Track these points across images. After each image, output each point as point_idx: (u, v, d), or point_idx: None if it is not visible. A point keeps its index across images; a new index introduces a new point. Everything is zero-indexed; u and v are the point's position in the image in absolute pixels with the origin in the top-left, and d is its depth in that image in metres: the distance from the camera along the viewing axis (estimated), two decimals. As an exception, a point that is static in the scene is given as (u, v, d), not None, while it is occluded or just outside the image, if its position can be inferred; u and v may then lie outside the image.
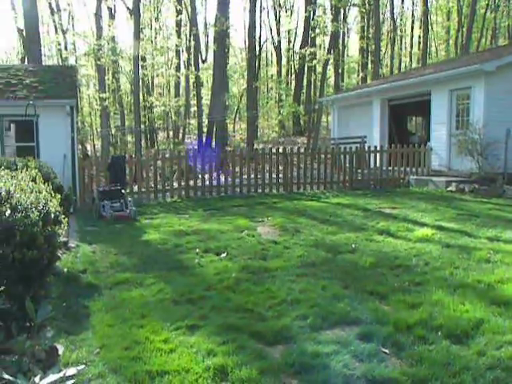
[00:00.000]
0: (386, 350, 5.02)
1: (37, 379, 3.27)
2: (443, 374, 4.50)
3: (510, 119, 16.07)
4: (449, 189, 15.91)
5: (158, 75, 45.27)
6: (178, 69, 45.13)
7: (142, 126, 34.91)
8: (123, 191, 13.67)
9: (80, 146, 31.40)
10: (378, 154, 18.25)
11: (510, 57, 16.87)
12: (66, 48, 44.58)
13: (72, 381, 3.41)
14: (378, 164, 18.14)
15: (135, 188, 15.85)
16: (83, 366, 4.25)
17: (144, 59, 37.77)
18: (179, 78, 44.45)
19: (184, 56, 46.23)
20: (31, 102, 14.27)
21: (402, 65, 52.93)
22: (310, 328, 5.60)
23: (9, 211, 4.54)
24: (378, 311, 6.02)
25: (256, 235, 10.24)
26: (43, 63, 29.38)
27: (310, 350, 4.99)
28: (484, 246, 8.93)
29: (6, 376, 3.28)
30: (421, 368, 4.60)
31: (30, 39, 25.15)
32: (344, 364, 4.70)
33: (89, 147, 40.99)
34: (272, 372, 4.57)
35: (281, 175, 17.24)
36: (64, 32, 44.64)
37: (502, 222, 10.90)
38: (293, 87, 48.67)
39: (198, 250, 9.06)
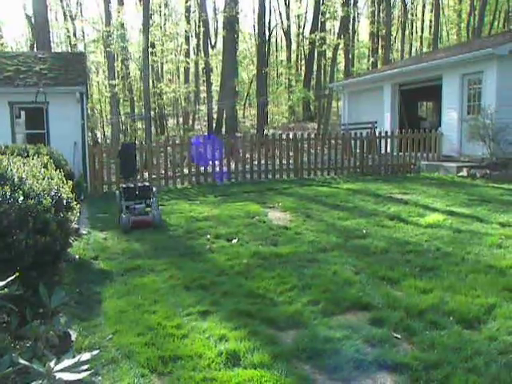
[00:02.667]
0: (398, 335, 5.03)
1: (52, 364, 3.29)
2: (455, 358, 4.50)
3: (523, 104, 15.95)
4: (460, 174, 15.83)
5: (167, 61, 45.15)
6: (187, 55, 45.02)
7: (152, 113, 34.91)
8: (154, 189, 10.93)
9: (90, 133, 31.49)
10: (388, 140, 18.17)
11: (523, 40, 16.72)
12: (74, 35, 44.57)
13: (86, 366, 3.43)
14: (388, 149, 18.07)
15: (146, 175, 15.87)
16: (97, 351, 4.28)
17: (153, 45, 37.68)
18: (188, 64, 44.31)
19: (193, 42, 46.14)
20: (41, 89, 14.30)
21: (413, 49, 52.53)
22: (322, 313, 5.61)
23: (21, 197, 4.55)
24: (390, 296, 6.02)
25: (267, 221, 10.25)
26: (52, 50, 29.40)
27: (321, 335, 5.00)
28: (495, 231, 8.90)
29: (22, 361, 3.31)
30: (432, 353, 4.61)
31: (39, 26, 25.18)
32: (356, 349, 4.71)
33: (99, 134, 41.07)
34: (284, 357, 4.58)
35: (291, 161, 17.22)
36: (73, 18, 44.64)
37: (514, 208, 10.84)
38: (303, 73, 48.46)
39: (209, 236, 9.09)
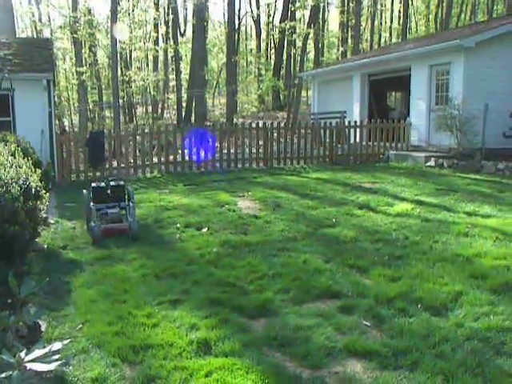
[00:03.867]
0: (367, 323, 5.09)
1: (22, 354, 3.26)
2: (423, 345, 4.58)
3: (489, 95, 16.16)
4: (428, 164, 16.03)
5: (136, 49, 44.67)
6: (156, 43, 44.63)
7: (121, 101, 34.58)
8: (129, 188, 9.34)
9: (57, 122, 31.03)
10: (357, 129, 18.30)
11: (490, 33, 16.91)
12: (40, 20, 43.76)
13: (57, 355, 3.41)
14: (357, 139, 18.19)
15: (114, 164, 15.73)
16: (68, 341, 4.25)
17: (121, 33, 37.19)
18: (157, 51, 43.94)
19: (162, 29, 45.70)
20: (6, 75, 14.01)
21: (382, 40, 52.86)
22: (292, 301, 5.65)
23: (-12, 186, 4.48)
24: (359, 284, 6.09)
25: (237, 210, 10.25)
26: (16, 36, 28.79)
27: (292, 323, 5.04)
28: (462, 220, 9.04)
29: (-9, 351, 3.27)
30: (401, 340, 4.67)
31: (2, 8, 24.58)
32: (326, 337, 4.76)
33: (66, 122, 40.50)
34: (255, 345, 4.61)
35: (261, 150, 17.22)
36: (38, 2, 43.73)
37: (480, 197, 11.02)
38: (272, 62, 48.42)
39: (178, 225, 9.06)
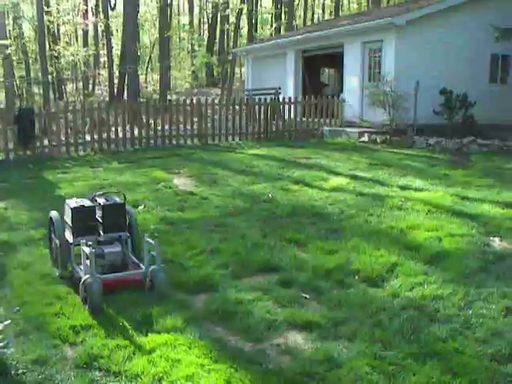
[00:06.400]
0: (307, 295, 5.18)
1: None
2: (361, 315, 4.70)
3: (420, 72, 16.48)
4: (362, 139, 16.29)
5: (64, 23, 43.21)
6: (85, 16, 43.31)
7: (50, 77, 33.48)
8: (129, 209, 6.14)
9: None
10: (292, 106, 18.35)
11: (420, 11, 17.19)
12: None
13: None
14: (292, 115, 18.26)
15: (46, 142, 15.26)
16: (9, 321, 4.15)
17: (48, 4, 35.97)
18: (87, 25, 42.67)
19: (92, 2, 44.41)
20: None
21: (315, 16, 53.07)
22: (232, 276, 5.68)
23: None
24: (297, 258, 6.17)
25: (173, 187, 10.17)
26: None
27: (232, 298, 5.07)
28: (396, 194, 9.25)
29: None
30: (340, 311, 4.78)
31: None
32: (266, 310, 4.81)
33: (-9, 99, 38.97)
34: (196, 320, 4.62)
35: (196, 126, 17.07)
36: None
37: (413, 172, 11.30)
38: (206, 37, 47.93)
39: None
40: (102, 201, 5.79)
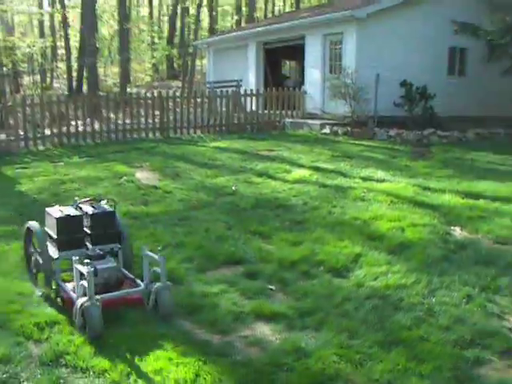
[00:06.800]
0: (272, 287, 5.20)
1: None
2: (327, 305, 4.75)
3: (381, 65, 16.64)
4: (323, 131, 16.38)
5: (18, 13, 42.23)
6: (40, 6, 42.48)
7: (4, 69, 32.78)
8: (119, 218, 5.64)
9: None
10: (253, 98, 18.35)
11: (381, 4, 17.26)
12: None
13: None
14: (254, 107, 18.26)
15: (2, 136, 14.94)
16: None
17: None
18: (43, 16, 41.80)
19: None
20: None
21: (276, 8, 53.05)
22: (197, 270, 5.67)
23: None
24: (262, 250, 6.19)
25: (135, 181, 10.07)
26: None
27: (198, 291, 5.06)
28: (358, 185, 9.35)
29: None
30: (306, 301, 4.81)
31: None
32: (233, 302, 4.82)
33: None
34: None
35: (157, 120, 16.93)
36: None
37: (374, 163, 11.42)
38: (166, 30, 47.51)
39: (76, 198, 8.74)
40: (88, 209, 5.19)
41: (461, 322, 4.51)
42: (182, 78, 39.02)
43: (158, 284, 4.61)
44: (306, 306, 4.69)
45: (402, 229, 6.84)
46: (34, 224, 5.22)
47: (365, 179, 9.83)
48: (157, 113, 16.94)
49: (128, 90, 30.36)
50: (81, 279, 4.42)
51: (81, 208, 5.24)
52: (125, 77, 33.23)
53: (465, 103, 17.58)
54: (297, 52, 21.44)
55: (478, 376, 3.77)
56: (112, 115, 16.17)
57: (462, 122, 16.46)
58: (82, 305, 4.25)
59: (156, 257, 4.66)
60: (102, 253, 4.88)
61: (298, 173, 10.41)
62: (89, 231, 5.07)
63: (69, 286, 4.81)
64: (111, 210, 5.32)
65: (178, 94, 18.29)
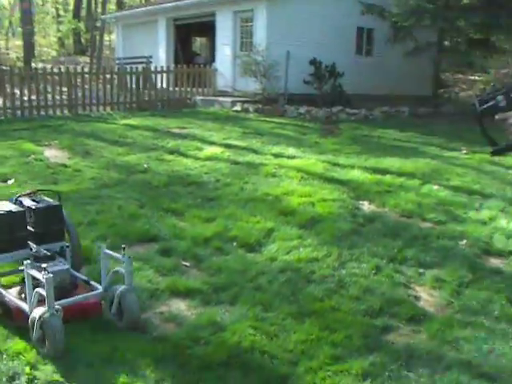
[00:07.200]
0: (187, 263, 5.23)
1: None
2: (241, 280, 4.83)
3: (291, 42, 16.83)
4: (234, 109, 16.43)
5: None
6: None
7: None
8: (63, 212, 4.63)
9: None
10: (164, 75, 18.12)
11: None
12: None
13: None
14: (164, 85, 18.05)
15: None
16: None
17: None
18: None
19: None
20: None
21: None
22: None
23: None
24: (176, 227, 6.20)
25: (44, 159, 9.76)
26: None
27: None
28: (270, 162, 9.48)
29: None
30: (220, 277, 4.88)
31: None
32: (148, 279, 4.82)
33: None
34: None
35: (65, 97, 16.43)
36: None
37: (285, 140, 11.60)
38: (71, 1, 45.86)
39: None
40: (29, 203, 4.46)
41: (370, 292, 4.71)
42: (90, 54, 37.90)
43: (123, 286, 4.07)
44: (221, 281, 4.76)
45: (313, 204, 7.03)
46: None
47: (276, 156, 9.98)
48: (64, 89, 16.44)
49: (33, 64, 29.22)
50: (33, 285, 3.83)
51: (21, 202, 4.52)
52: (29, 51, 32.00)
53: (372, 82, 18.08)
54: (207, 29, 21.32)
55: (386, 342, 3.97)
56: (17, 91, 15.53)
57: (369, 101, 16.96)
58: (40, 316, 3.64)
59: (119, 256, 4.16)
60: (49, 253, 4.26)
61: (210, 150, 10.43)
62: (32, 229, 4.39)
63: (12, 292, 4.19)
64: (56, 203, 4.57)
65: (86, 69, 17.80)
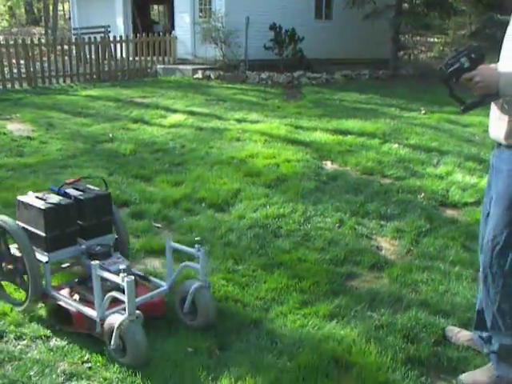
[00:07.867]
0: (159, 225, 5.41)
1: None
2: (211, 237, 5.04)
3: (250, 8, 16.88)
4: (195, 76, 16.47)
5: None
6: None
7: None
8: (112, 201, 4.14)
9: None
10: (123, 44, 18.01)
11: None
12: None
13: None
14: (124, 54, 17.94)
15: None
16: None
17: None
18: None
19: None
20: None
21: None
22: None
23: None
24: (146, 192, 6.35)
25: (7, 133, 9.71)
26: None
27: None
28: (233, 127, 9.66)
29: None
30: (192, 235, 5.07)
31: None
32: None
33: None
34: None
35: (23, 69, 16.22)
36: None
37: (247, 105, 11.77)
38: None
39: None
40: (75, 193, 3.92)
41: (334, 243, 4.97)
42: (44, 24, 37.15)
43: (197, 283, 3.65)
44: (192, 239, 4.95)
45: (278, 165, 7.26)
46: (6, 219, 3.69)
47: (239, 121, 10.15)
48: (21, 62, 16.21)
49: (-15, 37, 28.56)
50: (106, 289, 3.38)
51: (66, 193, 3.94)
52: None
53: (332, 46, 18.29)
54: (165, -4, 21.14)
55: (350, 287, 4.23)
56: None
57: (330, 65, 17.19)
58: (121, 324, 3.17)
59: (191, 250, 3.75)
60: (105, 250, 3.79)
61: (174, 118, 10.55)
62: (81, 222, 3.87)
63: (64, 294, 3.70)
64: (105, 191, 4.05)
65: (43, 41, 17.53)
